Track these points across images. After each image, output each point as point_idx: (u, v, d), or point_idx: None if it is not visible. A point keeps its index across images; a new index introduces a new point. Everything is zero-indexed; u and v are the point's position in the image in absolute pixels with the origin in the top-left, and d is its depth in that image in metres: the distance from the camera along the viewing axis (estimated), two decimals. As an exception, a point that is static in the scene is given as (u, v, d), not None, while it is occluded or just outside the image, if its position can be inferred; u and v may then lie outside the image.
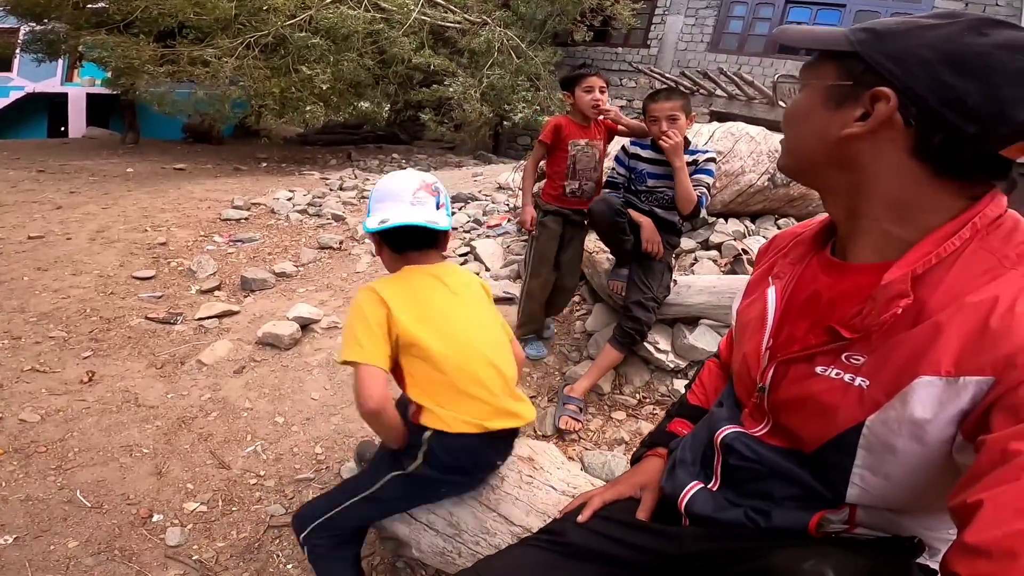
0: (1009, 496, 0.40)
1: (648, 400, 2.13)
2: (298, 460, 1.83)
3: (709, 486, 0.71)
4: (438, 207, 1.12)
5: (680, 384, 2.13)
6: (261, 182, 6.10)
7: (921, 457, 0.53)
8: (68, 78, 14.29)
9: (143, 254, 3.49)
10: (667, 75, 8.63)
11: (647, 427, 1.99)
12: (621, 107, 9.77)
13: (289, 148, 9.72)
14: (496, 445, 1.11)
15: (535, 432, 1.96)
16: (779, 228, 3.46)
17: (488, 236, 3.70)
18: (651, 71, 8.73)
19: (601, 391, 2.15)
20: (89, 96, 13.86)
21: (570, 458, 1.82)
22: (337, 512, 1.09)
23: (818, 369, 0.59)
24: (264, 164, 8.18)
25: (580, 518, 0.79)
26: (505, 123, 9.22)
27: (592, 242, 2.80)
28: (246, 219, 4.42)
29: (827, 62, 0.63)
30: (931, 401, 0.51)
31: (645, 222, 2.10)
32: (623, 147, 2.29)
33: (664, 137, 2.02)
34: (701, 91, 8.49)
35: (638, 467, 0.87)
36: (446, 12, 9.25)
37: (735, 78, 7.48)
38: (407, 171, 1.16)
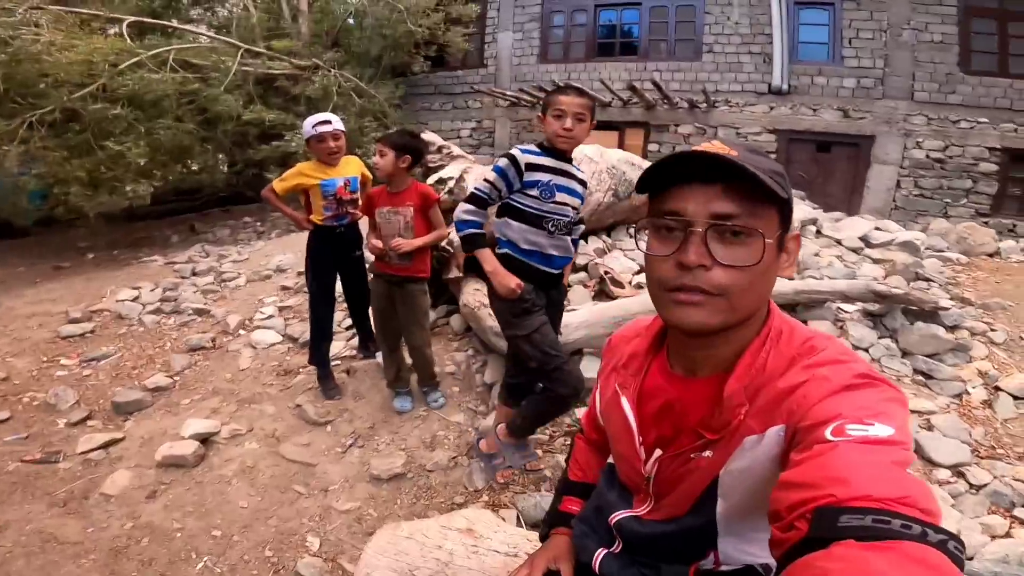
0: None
1: (557, 433, 2.50)
2: (253, 567, 1.93)
3: (612, 549, 0.91)
4: None
5: (580, 412, 2.50)
6: (94, 281, 5.57)
7: (755, 494, 0.71)
8: None
9: (-19, 397, 3.18)
10: (508, 92, 9.38)
11: (563, 458, 2.32)
12: (472, 128, 10.36)
13: (116, 228, 8.63)
14: None
15: (465, 488, 2.24)
16: (631, 236, 4.06)
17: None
18: (491, 90, 9.41)
19: (514, 435, 2.47)
20: None
21: (504, 506, 2.11)
22: None
23: (692, 455, 0.76)
24: (91, 255, 7.36)
25: None
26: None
27: (471, 294, 3.14)
28: (91, 332, 4.11)
29: (770, 207, 0.68)
30: (749, 452, 0.69)
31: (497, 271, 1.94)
32: (509, 155, 1.96)
33: (563, 135, 1.87)
34: (540, 102, 9.35)
35: (548, 544, 1.03)
36: (270, 60, 9.14)
37: (566, 86, 8.40)
38: None
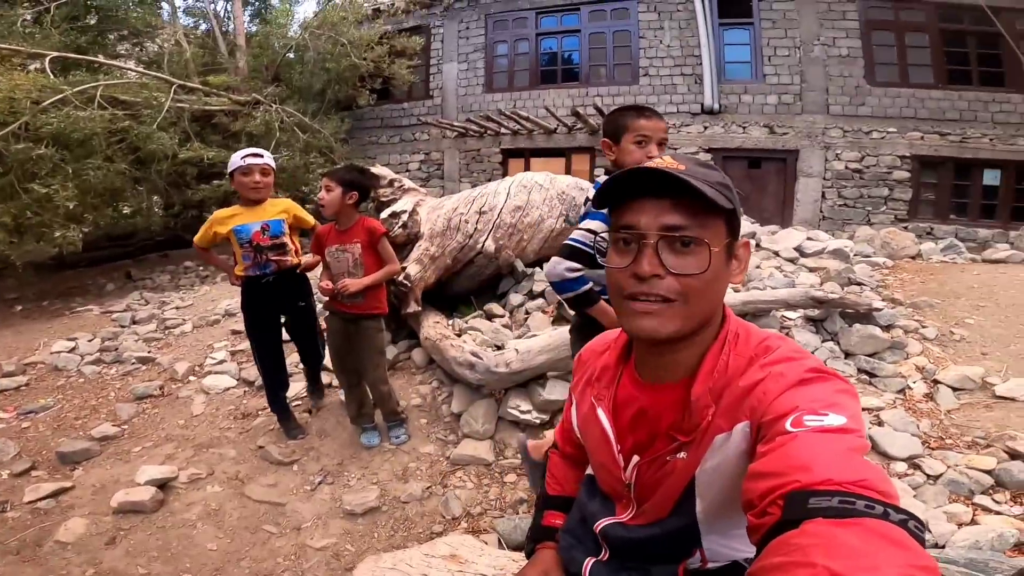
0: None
1: None
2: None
3: (600, 558, 0.93)
4: None
5: (549, 433, 2.55)
6: (24, 334, 5.25)
7: (731, 489, 0.75)
8: None
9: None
10: (455, 123, 9.54)
11: None
12: (420, 161, 10.42)
13: (45, 277, 8.17)
14: None
15: (443, 516, 2.23)
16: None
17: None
18: (439, 122, 9.54)
19: (487, 462, 2.51)
20: None
21: (484, 530, 2.12)
22: None
23: (667, 458, 0.81)
24: (19, 307, 6.88)
25: None
26: (307, 205, 9.06)
27: (432, 327, 3.17)
28: (26, 385, 3.89)
29: (717, 218, 0.74)
30: (720, 450, 0.74)
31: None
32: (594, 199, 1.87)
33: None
34: (488, 132, 9.57)
35: (536, 558, 1.04)
36: (207, 96, 8.96)
37: (513, 115, 8.66)
38: None
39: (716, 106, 8.58)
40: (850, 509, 0.51)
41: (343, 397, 2.89)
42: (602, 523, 0.92)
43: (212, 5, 11.37)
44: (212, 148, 8.47)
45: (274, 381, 2.80)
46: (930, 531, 1.89)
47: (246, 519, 2.32)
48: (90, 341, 4.64)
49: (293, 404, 3.06)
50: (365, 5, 9.83)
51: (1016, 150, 7.67)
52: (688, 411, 0.77)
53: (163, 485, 2.51)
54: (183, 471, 2.63)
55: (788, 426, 0.62)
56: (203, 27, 11.75)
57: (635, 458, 0.85)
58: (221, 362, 3.93)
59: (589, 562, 0.94)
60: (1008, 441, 2.31)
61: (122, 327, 5.12)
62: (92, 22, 9.51)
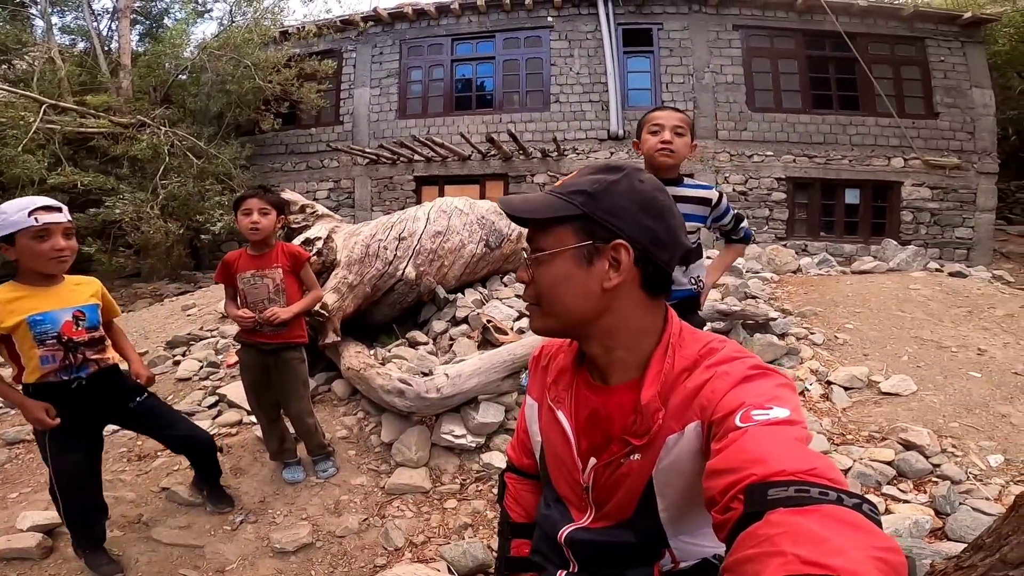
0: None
1: (468, 480, 2.51)
2: None
3: (571, 571, 0.92)
4: None
5: (486, 456, 2.57)
6: None
7: (690, 488, 0.78)
8: None
9: None
10: (367, 149, 9.39)
11: (480, 504, 2.35)
12: (330, 189, 10.12)
13: None
14: None
15: (385, 548, 2.14)
16: (505, 285, 4.28)
17: (235, 376, 3.58)
18: (350, 148, 9.33)
19: (424, 489, 2.44)
20: None
21: (431, 559, 2.05)
22: None
23: (622, 460, 0.83)
24: None
25: None
26: (203, 236, 8.32)
27: (354, 356, 3.08)
28: None
29: (559, 226, 0.80)
30: (673, 450, 0.77)
31: None
32: None
33: (662, 148, 1.82)
34: (401, 159, 9.53)
35: None
36: (83, 117, 8.22)
37: (427, 142, 8.69)
38: None
39: (621, 132, 9.09)
40: (806, 497, 0.53)
41: (258, 433, 2.72)
42: (566, 530, 0.92)
43: (94, 23, 10.53)
44: (88, 173, 7.78)
45: (88, 517, 2.01)
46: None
47: (158, 563, 2.09)
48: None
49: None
50: (272, 28, 9.48)
51: (871, 170, 8.79)
52: (639, 415, 0.80)
53: (51, 531, 2.22)
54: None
55: (738, 421, 0.66)
56: (82, 45, 10.84)
57: (592, 460, 0.87)
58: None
59: (560, 575, 0.94)
60: (900, 434, 2.57)
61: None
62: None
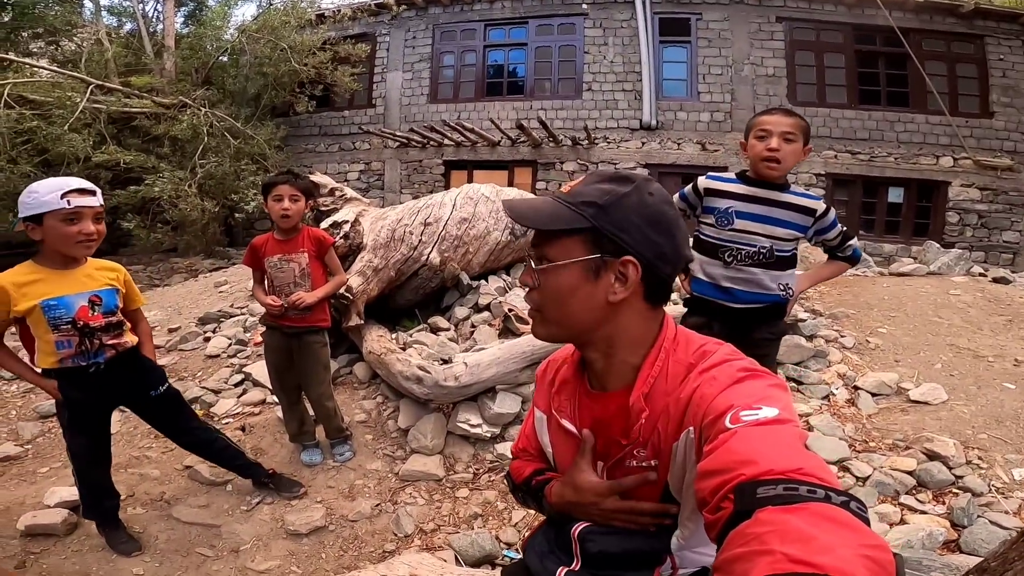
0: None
1: (481, 470, 2.54)
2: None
3: (572, 567, 0.93)
4: None
5: (500, 447, 2.59)
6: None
7: (693, 495, 0.75)
8: None
9: None
10: (398, 133, 9.46)
11: (492, 494, 2.38)
12: (360, 170, 10.24)
13: None
14: None
15: (395, 534, 2.19)
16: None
17: (261, 355, 3.66)
18: (381, 131, 9.41)
19: (437, 477, 2.48)
20: None
21: (439, 547, 2.08)
22: None
23: (628, 463, 0.85)
24: None
25: None
26: (237, 214, 8.52)
27: (375, 340, 3.12)
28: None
29: (567, 237, 0.81)
30: (680, 458, 0.78)
31: None
32: (694, 183, 1.96)
33: (770, 160, 1.75)
34: (431, 143, 9.56)
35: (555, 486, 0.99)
36: (127, 98, 8.47)
37: (457, 127, 8.70)
38: None
39: (654, 122, 8.94)
40: (795, 495, 0.54)
41: (279, 414, 2.79)
42: (579, 527, 0.93)
43: (140, 5, 10.81)
44: (130, 152, 8.04)
45: (96, 494, 2.11)
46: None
47: (176, 541, 2.19)
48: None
49: (223, 422, 2.92)
50: (308, 10, 9.56)
51: (918, 168, 8.46)
52: (627, 417, 0.83)
53: (76, 508, 2.30)
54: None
55: (727, 423, 0.67)
56: (128, 27, 11.14)
57: (599, 464, 0.90)
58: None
59: (562, 571, 0.95)
60: (925, 443, 2.50)
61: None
62: (6, 19, 8.87)
